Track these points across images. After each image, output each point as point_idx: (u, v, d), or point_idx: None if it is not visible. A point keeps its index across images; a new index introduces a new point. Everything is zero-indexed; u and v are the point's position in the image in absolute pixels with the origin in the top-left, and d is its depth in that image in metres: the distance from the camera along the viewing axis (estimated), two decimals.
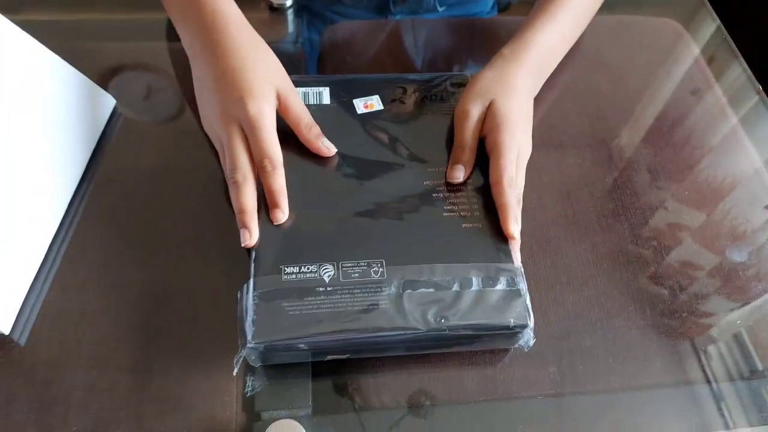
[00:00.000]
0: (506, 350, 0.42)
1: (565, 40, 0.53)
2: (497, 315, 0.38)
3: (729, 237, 0.49)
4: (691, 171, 0.53)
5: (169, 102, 0.54)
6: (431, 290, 0.39)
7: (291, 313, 0.37)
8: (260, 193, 0.42)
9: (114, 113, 0.51)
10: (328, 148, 0.45)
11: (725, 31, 0.64)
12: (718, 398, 0.41)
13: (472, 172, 0.45)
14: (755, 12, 0.87)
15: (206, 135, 0.47)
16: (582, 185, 0.51)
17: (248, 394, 0.38)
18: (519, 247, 0.42)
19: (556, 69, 0.53)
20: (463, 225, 0.42)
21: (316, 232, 0.41)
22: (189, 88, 0.47)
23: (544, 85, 0.52)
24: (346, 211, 0.42)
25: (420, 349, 0.41)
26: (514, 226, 0.41)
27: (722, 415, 0.41)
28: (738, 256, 0.48)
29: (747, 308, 0.46)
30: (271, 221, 0.41)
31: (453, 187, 0.44)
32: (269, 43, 0.47)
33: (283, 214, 0.41)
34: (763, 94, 0.58)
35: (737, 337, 0.45)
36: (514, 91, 0.46)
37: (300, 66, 0.47)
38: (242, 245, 0.41)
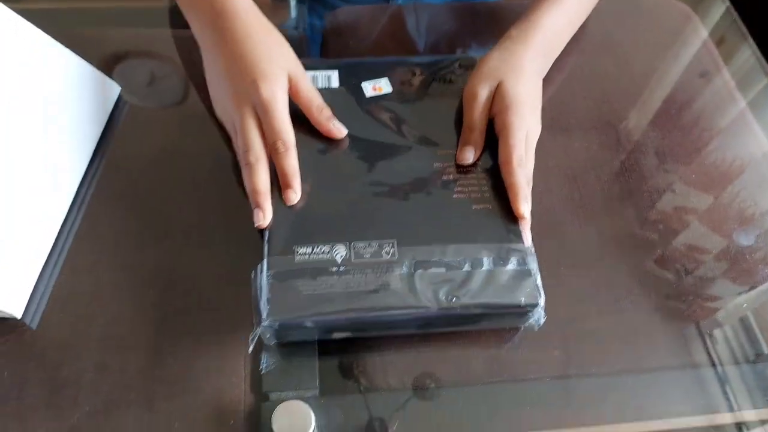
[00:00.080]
0: (513, 332, 0.42)
1: (571, 23, 0.53)
2: (508, 294, 0.39)
3: (736, 220, 0.49)
4: (699, 154, 0.53)
5: (174, 88, 0.54)
6: (442, 270, 0.39)
7: (305, 292, 0.38)
8: (272, 174, 0.43)
9: (119, 100, 0.52)
10: (339, 129, 0.45)
11: (735, 13, 0.63)
12: (723, 381, 0.41)
13: (481, 154, 0.45)
14: None
15: (213, 120, 0.48)
16: (589, 168, 0.51)
17: (263, 371, 0.39)
18: (529, 227, 0.42)
19: (563, 51, 0.52)
20: (474, 206, 0.42)
21: (328, 213, 0.42)
22: (193, 74, 0.47)
23: (550, 68, 0.51)
24: (357, 192, 0.43)
25: (431, 328, 0.41)
26: (524, 206, 0.41)
27: (727, 398, 0.41)
28: (745, 239, 0.48)
29: (754, 292, 0.46)
30: (283, 202, 0.42)
31: (463, 169, 0.44)
32: None
33: (295, 195, 0.42)
34: None
35: (743, 321, 0.45)
36: (522, 72, 0.46)
37: (303, 51, 0.47)
38: (255, 225, 0.41)
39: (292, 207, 0.42)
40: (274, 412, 0.35)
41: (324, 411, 0.38)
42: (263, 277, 0.38)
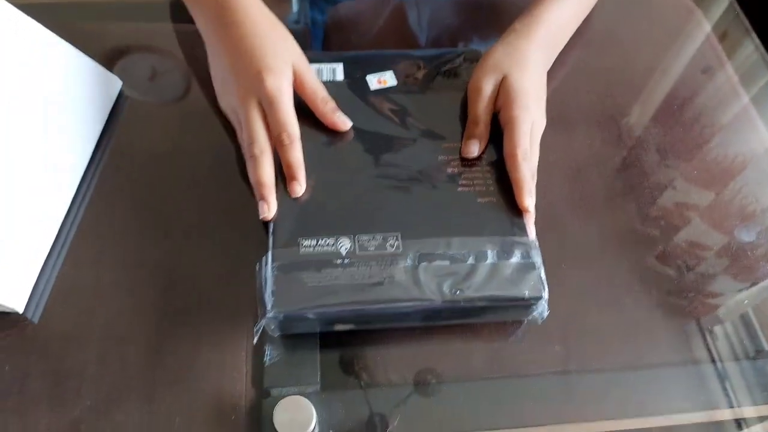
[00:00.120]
0: (514, 327, 0.42)
1: (575, 17, 0.53)
2: (512, 287, 0.39)
3: (738, 217, 0.49)
4: (701, 150, 0.53)
5: (176, 83, 0.53)
6: (447, 263, 0.39)
7: (309, 284, 0.38)
8: (277, 167, 0.43)
9: (121, 95, 0.51)
10: (343, 121, 0.45)
11: (738, 8, 0.63)
12: (723, 377, 0.41)
13: (486, 147, 0.45)
14: None
15: (215, 115, 0.48)
16: (591, 164, 0.51)
17: (266, 363, 0.39)
18: (533, 220, 0.42)
19: (566, 46, 0.52)
20: (478, 199, 0.42)
21: (332, 205, 0.42)
22: (195, 69, 0.47)
23: (553, 63, 0.51)
24: (362, 185, 0.43)
25: (435, 321, 0.41)
26: (528, 199, 0.42)
27: (727, 394, 0.41)
28: (746, 235, 0.48)
29: (755, 288, 0.46)
30: (288, 195, 0.42)
31: (467, 162, 0.44)
32: None
33: (300, 187, 0.42)
34: None
35: (744, 317, 0.45)
36: (526, 65, 0.46)
37: (305, 46, 0.47)
38: (261, 218, 0.41)
39: (296, 199, 0.42)
40: (276, 408, 0.35)
41: (325, 406, 0.38)
42: (268, 269, 0.38)
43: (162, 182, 0.47)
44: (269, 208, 0.41)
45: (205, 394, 0.38)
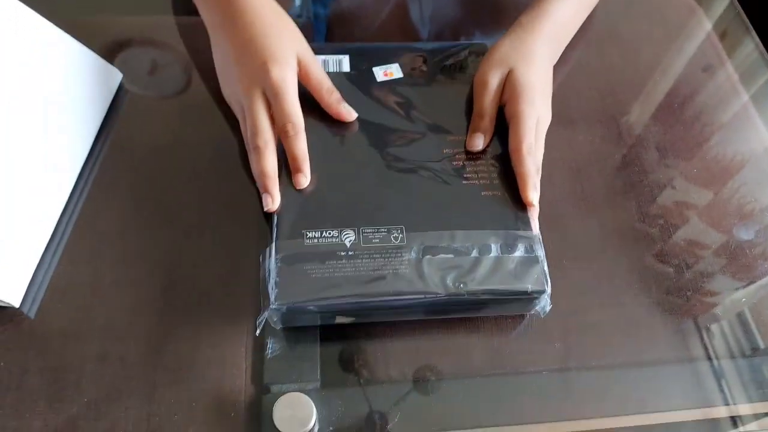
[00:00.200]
0: (514, 323, 0.42)
1: (580, 12, 0.53)
2: (515, 281, 0.39)
3: (736, 215, 0.49)
4: (701, 149, 0.53)
5: (176, 76, 0.53)
6: (450, 256, 0.39)
7: (313, 276, 0.37)
8: (281, 158, 0.43)
9: (121, 87, 0.51)
10: (348, 112, 0.45)
11: (738, 6, 0.63)
12: (720, 375, 0.42)
13: (491, 141, 0.45)
14: None
15: (216, 108, 0.48)
16: (591, 162, 0.51)
17: (268, 356, 0.39)
18: (537, 214, 0.42)
19: (568, 44, 0.52)
20: (482, 193, 0.42)
21: (337, 197, 0.42)
22: (196, 61, 0.47)
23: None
24: (366, 177, 0.43)
25: (438, 314, 0.41)
26: (533, 193, 0.42)
27: (723, 392, 0.41)
28: (745, 234, 0.48)
29: (752, 287, 0.46)
30: (292, 186, 0.42)
31: (472, 155, 0.44)
32: None
33: (305, 179, 0.42)
34: None
35: (741, 316, 0.45)
36: (533, 59, 0.46)
37: (307, 40, 0.47)
38: (264, 210, 0.41)
39: (301, 191, 0.42)
40: (276, 404, 0.35)
41: (325, 403, 0.38)
42: (272, 261, 0.38)
43: (162, 176, 0.47)
44: (273, 200, 0.41)
45: (205, 391, 0.38)
